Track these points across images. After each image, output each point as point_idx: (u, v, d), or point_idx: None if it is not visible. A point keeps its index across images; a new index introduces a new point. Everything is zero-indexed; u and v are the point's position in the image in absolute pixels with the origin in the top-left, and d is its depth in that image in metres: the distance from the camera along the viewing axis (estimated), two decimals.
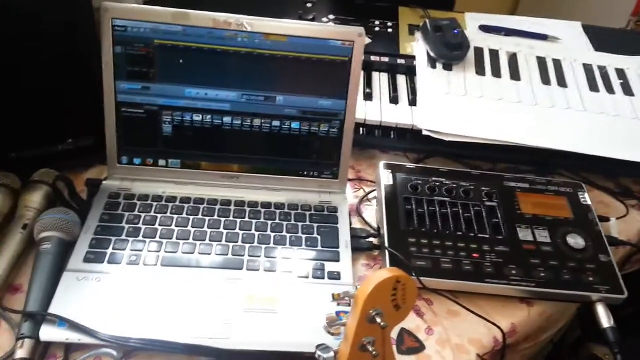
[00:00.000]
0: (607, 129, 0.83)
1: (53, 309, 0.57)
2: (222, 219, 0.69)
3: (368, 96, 0.85)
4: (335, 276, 0.64)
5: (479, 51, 0.95)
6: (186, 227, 0.68)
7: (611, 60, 0.96)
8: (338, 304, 0.58)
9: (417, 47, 0.94)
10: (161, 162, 0.73)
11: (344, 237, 0.69)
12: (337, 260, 0.66)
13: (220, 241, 0.67)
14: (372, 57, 0.91)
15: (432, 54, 0.91)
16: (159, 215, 0.69)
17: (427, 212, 0.70)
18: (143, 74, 0.69)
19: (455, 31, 0.93)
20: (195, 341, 0.56)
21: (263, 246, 0.66)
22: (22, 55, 0.67)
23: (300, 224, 0.70)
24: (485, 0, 1.89)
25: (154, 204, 0.70)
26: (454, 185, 0.74)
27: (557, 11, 1.88)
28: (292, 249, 0.67)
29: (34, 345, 0.55)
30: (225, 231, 0.68)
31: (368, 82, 0.88)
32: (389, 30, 0.98)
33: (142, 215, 0.68)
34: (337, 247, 0.67)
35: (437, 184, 0.74)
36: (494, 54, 0.95)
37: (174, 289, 0.61)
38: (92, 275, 0.61)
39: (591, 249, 0.69)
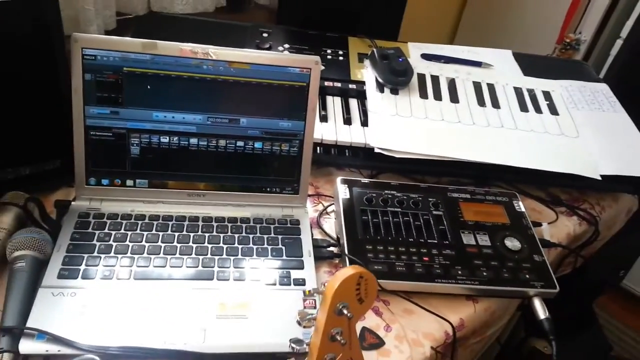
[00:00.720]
0: (537, 145, 0.93)
1: (31, 323, 0.59)
2: (191, 234, 0.73)
3: (324, 118, 0.92)
4: (300, 282, 0.69)
5: (421, 77, 1.04)
6: (157, 242, 0.71)
7: (538, 84, 1.07)
8: (305, 307, 0.63)
9: (366, 74, 1.02)
10: (129, 182, 0.76)
11: (307, 247, 0.74)
12: (302, 268, 0.71)
13: (191, 254, 0.70)
14: (326, 83, 0.98)
15: (380, 79, 0.99)
16: (129, 233, 0.72)
17: (382, 222, 0.77)
18: (112, 100, 0.72)
19: (400, 59, 1.02)
20: (171, 347, 0.59)
21: (232, 258, 0.71)
22: None
23: (265, 236, 0.75)
24: (426, 31, 2.03)
25: (124, 222, 0.73)
26: (405, 197, 0.81)
27: (491, 41, 2.04)
28: (259, 260, 0.71)
29: (13, 359, 0.56)
30: (194, 245, 0.72)
31: (323, 106, 0.95)
32: (340, 58, 1.06)
33: (113, 233, 0.71)
34: (301, 256, 0.73)
35: (390, 196, 0.81)
36: (435, 79, 1.04)
37: (149, 300, 0.64)
38: (68, 291, 0.63)
39: (526, 251, 0.77)
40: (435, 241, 0.76)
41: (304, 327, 0.52)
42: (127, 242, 0.70)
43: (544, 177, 0.91)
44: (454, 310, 0.71)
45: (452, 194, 0.84)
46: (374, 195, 0.81)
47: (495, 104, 1.01)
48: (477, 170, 0.91)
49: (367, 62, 1.05)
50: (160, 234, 0.72)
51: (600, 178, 0.90)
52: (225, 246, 0.72)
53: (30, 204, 0.72)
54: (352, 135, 0.90)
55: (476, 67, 1.10)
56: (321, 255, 0.75)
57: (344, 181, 0.82)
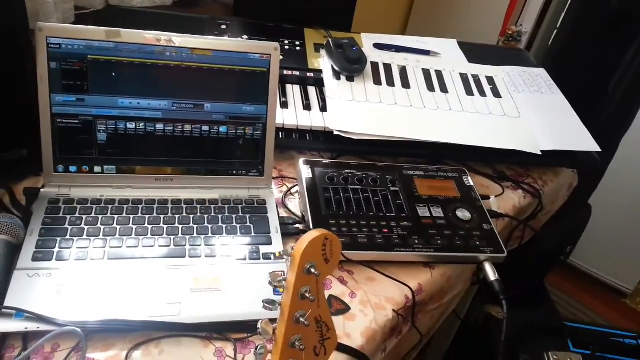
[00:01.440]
0: (482, 125, 1.01)
1: (8, 303, 0.60)
2: (162, 216, 0.76)
3: (284, 105, 0.96)
4: (269, 257, 0.73)
5: (375, 65, 1.09)
6: (128, 224, 0.73)
7: (482, 70, 1.15)
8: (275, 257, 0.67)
9: (323, 63, 1.07)
10: (97, 168, 0.78)
11: (274, 224, 0.78)
12: (270, 244, 0.75)
13: (162, 235, 0.73)
14: (285, 72, 1.02)
15: (336, 68, 1.04)
16: (100, 216, 0.74)
17: (344, 199, 0.82)
18: (77, 87, 0.74)
19: (354, 48, 1.07)
20: (149, 319, 0.62)
21: (202, 236, 0.74)
22: None
23: (234, 215, 0.78)
24: (378, 23, 2.10)
25: (94, 206, 0.75)
26: (364, 175, 0.87)
27: (439, 32, 2.13)
28: (229, 237, 0.75)
29: None
30: (165, 226, 0.74)
31: (283, 93, 0.99)
32: (297, 48, 1.10)
33: (84, 217, 0.73)
34: (269, 233, 0.76)
35: (350, 175, 0.86)
36: (388, 67, 1.10)
37: (124, 278, 0.66)
38: (43, 272, 0.65)
39: (476, 220, 0.84)
40: (394, 214, 0.81)
41: (275, 286, 0.56)
42: (99, 225, 0.72)
43: (490, 155, 0.98)
44: (413, 277, 0.77)
45: (407, 172, 0.90)
46: (335, 174, 0.85)
47: (444, 89, 1.07)
48: (429, 149, 0.97)
49: (323, 52, 1.09)
50: (131, 216, 0.75)
51: (540, 153, 0.98)
52: (195, 226, 0.75)
53: (1, 190, 0.73)
54: (312, 119, 0.95)
55: (425, 56, 1.17)
56: (288, 231, 0.79)
57: (307, 162, 0.87)
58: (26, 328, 0.59)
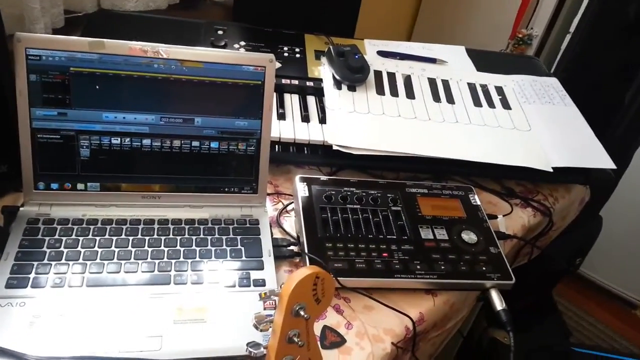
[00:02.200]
0: (491, 139, 0.95)
1: None
2: (147, 238, 0.71)
3: (281, 116, 0.91)
4: (260, 283, 0.68)
5: (378, 74, 1.04)
6: (110, 247, 0.69)
7: (491, 79, 1.10)
8: (265, 308, 0.63)
9: (323, 71, 1.02)
10: (80, 186, 0.74)
11: (267, 247, 0.73)
12: (262, 269, 0.70)
13: (146, 259, 0.69)
14: (284, 80, 0.97)
15: (337, 77, 0.99)
16: (81, 238, 0.69)
17: (341, 219, 0.77)
18: (59, 101, 0.70)
19: (357, 56, 1.02)
20: (127, 355, 0.58)
21: (189, 260, 0.69)
22: None
23: (224, 237, 0.73)
24: (383, 29, 2.05)
25: (75, 227, 0.71)
26: (364, 193, 0.82)
27: (446, 37, 2.08)
28: (218, 261, 0.70)
29: None
30: (150, 249, 0.70)
31: (281, 103, 0.94)
32: (297, 55, 1.05)
33: (64, 239, 0.69)
34: (261, 257, 0.72)
35: (349, 193, 0.81)
36: (392, 76, 1.05)
37: (102, 308, 0.62)
38: (16, 301, 0.61)
39: (483, 243, 0.79)
40: (394, 237, 0.77)
41: (261, 330, 0.51)
42: (79, 248, 0.68)
43: (499, 170, 0.93)
44: (414, 305, 0.72)
45: (410, 190, 0.85)
46: (333, 192, 0.81)
47: (450, 100, 1.02)
48: (433, 165, 0.92)
49: (324, 59, 1.05)
50: (114, 238, 0.70)
51: (552, 170, 0.92)
52: (182, 249, 0.71)
53: None
54: (311, 132, 0.90)
55: (431, 64, 1.12)
56: (281, 254, 0.74)
57: (303, 179, 0.82)
58: None
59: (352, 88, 1.00)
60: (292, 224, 0.82)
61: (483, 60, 1.16)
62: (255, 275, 0.69)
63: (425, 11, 2.16)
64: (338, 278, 0.69)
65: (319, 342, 0.64)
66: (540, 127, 1.00)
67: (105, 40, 0.69)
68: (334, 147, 0.87)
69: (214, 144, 0.76)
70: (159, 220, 0.74)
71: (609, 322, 1.98)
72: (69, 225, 0.71)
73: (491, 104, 1.03)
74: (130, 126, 0.73)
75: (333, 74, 1.01)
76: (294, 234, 0.79)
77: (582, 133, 1.02)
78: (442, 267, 0.74)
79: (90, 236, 0.70)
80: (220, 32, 1.06)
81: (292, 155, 0.90)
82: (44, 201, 0.73)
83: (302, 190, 0.80)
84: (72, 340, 0.58)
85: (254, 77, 0.75)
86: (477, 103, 1.03)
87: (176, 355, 0.59)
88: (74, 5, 1.02)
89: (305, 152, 0.90)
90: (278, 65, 0.99)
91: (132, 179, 0.75)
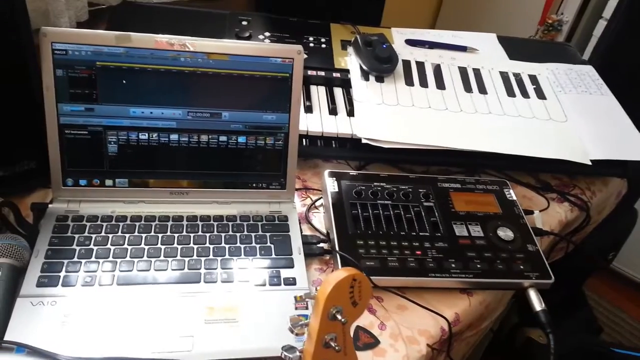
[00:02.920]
0: (525, 131, 0.92)
1: (9, 336, 0.56)
2: (176, 235, 0.70)
3: (308, 109, 0.89)
4: (291, 282, 0.67)
5: (406, 64, 1.01)
6: (139, 245, 0.68)
7: (524, 68, 1.06)
8: (296, 308, 0.61)
9: (350, 62, 0.99)
10: (108, 182, 0.73)
11: (297, 244, 0.72)
12: (292, 267, 0.69)
13: (176, 257, 0.68)
14: (310, 72, 0.95)
15: (364, 67, 0.97)
16: (110, 235, 0.69)
17: (372, 216, 0.75)
18: (86, 96, 0.69)
19: (384, 46, 0.99)
20: (158, 356, 0.57)
21: (219, 258, 0.68)
22: None
23: (253, 234, 0.72)
24: (407, 14, 2.01)
25: (104, 224, 0.70)
26: (395, 188, 0.79)
27: (472, 23, 2.02)
28: (247, 259, 0.69)
29: None
30: (179, 246, 0.69)
31: (307, 96, 0.92)
32: (323, 45, 1.03)
33: (93, 236, 0.68)
34: (291, 254, 0.70)
35: (379, 188, 0.79)
36: (421, 65, 1.02)
37: (133, 307, 0.61)
38: (47, 300, 0.60)
39: (520, 240, 0.76)
40: (427, 234, 0.74)
41: (297, 334, 0.50)
42: (109, 246, 0.67)
43: (534, 163, 0.90)
44: (449, 305, 0.70)
45: (442, 184, 0.82)
46: (363, 188, 0.78)
47: (482, 90, 0.99)
48: (466, 158, 0.89)
49: (350, 50, 1.02)
50: (143, 235, 0.69)
51: (590, 163, 0.89)
52: (211, 246, 0.70)
53: (5, 208, 0.68)
54: (339, 126, 0.88)
55: (461, 52, 1.08)
56: (311, 252, 0.73)
57: (332, 174, 0.80)
58: None
59: (380, 79, 0.97)
60: (321, 219, 0.80)
61: (515, 48, 1.12)
62: (285, 273, 0.68)
63: None
64: (370, 277, 0.67)
65: None
66: (577, 118, 0.96)
67: (131, 33, 0.68)
68: (363, 141, 0.85)
69: (241, 139, 0.74)
70: (187, 217, 0.73)
71: None
72: (98, 222, 0.70)
73: (525, 94, 1.00)
74: (158, 121, 0.71)
75: (360, 65, 0.98)
76: (324, 231, 0.77)
77: (621, 123, 0.97)
78: (478, 266, 0.71)
79: (119, 233, 0.69)
80: (244, 23, 1.04)
81: (319, 149, 0.88)
82: (73, 198, 0.72)
83: (331, 185, 0.78)
84: (103, 340, 0.57)
85: (282, 69, 0.73)
86: (511, 93, 0.99)
87: (209, 356, 0.58)
88: None
89: (333, 145, 0.88)
90: (304, 55, 0.97)
91: (160, 174, 0.74)
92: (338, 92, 0.95)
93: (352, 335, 0.63)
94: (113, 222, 0.70)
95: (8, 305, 0.59)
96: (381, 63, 0.97)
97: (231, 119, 0.73)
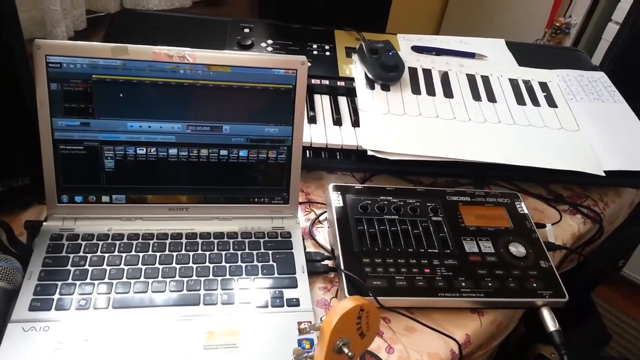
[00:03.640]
0: (536, 141, 0.89)
1: None
2: (174, 254, 0.68)
3: (312, 119, 0.87)
4: (294, 303, 0.64)
5: (413, 71, 0.99)
6: (137, 265, 0.66)
7: (534, 75, 1.03)
8: (300, 332, 0.58)
9: (355, 70, 0.97)
10: (105, 198, 0.71)
11: (300, 262, 0.69)
12: (295, 287, 0.66)
13: (174, 277, 0.65)
14: (313, 81, 0.92)
15: (370, 75, 0.94)
16: (106, 255, 0.66)
17: (379, 232, 0.72)
18: (82, 110, 0.66)
19: (390, 53, 0.96)
20: None
21: (219, 278, 0.66)
22: None
23: (255, 252, 0.69)
24: (412, 18, 1.98)
25: (100, 243, 0.67)
26: (402, 203, 0.77)
27: (478, 26, 1.99)
28: (249, 279, 0.66)
29: None
30: (178, 266, 0.66)
31: (311, 105, 0.89)
32: (327, 53, 1.00)
33: (89, 256, 0.66)
34: (294, 273, 0.68)
35: (386, 203, 0.76)
36: (428, 73, 0.99)
37: (129, 332, 0.59)
38: (40, 325, 0.58)
39: (532, 256, 0.73)
40: (436, 250, 0.71)
41: None
42: (105, 266, 0.65)
43: (545, 174, 0.87)
44: (459, 325, 0.67)
45: (451, 197, 0.79)
46: (369, 202, 0.76)
47: (491, 98, 0.96)
48: (475, 169, 0.86)
49: (355, 57, 0.99)
50: (141, 254, 0.67)
51: (604, 175, 0.85)
52: (211, 265, 0.67)
53: None
54: (343, 137, 0.85)
55: (469, 59, 1.05)
56: (315, 270, 0.70)
57: (337, 188, 0.77)
58: None
59: (385, 87, 0.94)
60: (325, 235, 0.77)
61: (524, 54, 1.09)
62: (288, 294, 0.65)
63: None
64: (377, 297, 0.64)
65: None
66: (589, 127, 0.93)
67: (128, 45, 0.65)
68: (369, 153, 0.82)
69: (243, 153, 0.72)
70: (186, 234, 0.70)
71: None
72: (94, 241, 0.67)
73: (536, 102, 0.97)
74: (156, 135, 0.69)
75: (365, 73, 0.95)
76: (328, 246, 0.75)
77: (635, 132, 0.94)
78: (490, 284, 0.68)
79: (116, 253, 0.67)
80: (246, 30, 1.01)
81: (323, 161, 0.85)
82: (68, 215, 0.70)
83: (336, 200, 0.75)
84: None
85: (285, 80, 0.70)
86: (521, 101, 0.96)
87: None
88: (96, 5, 0.98)
89: (338, 157, 0.85)
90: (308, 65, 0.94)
91: (158, 190, 0.71)
92: (342, 101, 0.93)
93: None
94: (109, 241, 0.68)
95: None
96: (387, 71, 0.94)
97: (232, 133, 0.71)
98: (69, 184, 0.69)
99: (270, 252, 0.70)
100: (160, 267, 0.66)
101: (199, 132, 0.70)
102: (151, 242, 0.68)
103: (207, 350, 0.58)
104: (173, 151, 0.70)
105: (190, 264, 0.67)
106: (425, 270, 0.69)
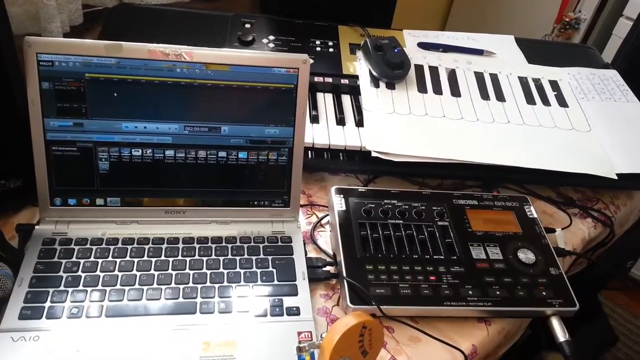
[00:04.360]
0: (546, 142, 0.86)
1: None
2: (170, 259, 0.65)
3: (314, 119, 0.84)
4: (294, 312, 0.62)
5: (419, 69, 0.96)
6: (131, 271, 0.63)
7: (544, 73, 0.99)
8: (300, 341, 0.56)
9: (359, 67, 0.94)
10: (99, 201, 0.68)
11: (301, 269, 0.66)
12: (295, 294, 0.64)
13: (170, 284, 0.63)
14: (316, 78, 0.89)
15: (374, 73, 0.91)
16: (100, 261, 0.64)
17: (383, 237, 0.69)
18: (74, 110, 0.64)
19: (396, 50, 0.93)
20: None
21: (216, 285, 0.63)
22: None
23: (254, 257, 0.67)
24: (418, 14, 1.94)
25: (94, 247, 0.65)
26: (406, 206, 0.74)
27: (486, 21, 1.95)
28: (247, 286, 0.64)
29: None
30: (174, 272, 0.64)
31: (314, 104, 0.86)
32: (331, 49, 0.97)
33: (82, 261, 0.63)
34: (294, 280, 0.65)
35: (390, 206, 0.73)
36: (434, 70, 0.96)
37: (122, 342, 0.56)
38: (30, 334, 0.55)
39: (542, 263, 0.70)
40: (442, 257, 0.69)
41: None
42: (98, 272, 0.63)
43: (555, 177, 0.84)
44: (465, 335, 0.64)
45: (457, 201, 0.77)
46: (373, 206, 0.73)
47: (500, 97, 0.93)
48: (482, 171, 0.83)
49: (359, 54, 0.96)
50: (135, 260, 0.64)
51: (616, 178, 0.83)
52: (209, 272, 0.65)
53: None
54: (347, 137, 0.82)
55: (477, 56, 1.02)
56: (316, 276, 0.67)
57: (339, 191, 0.74)
58: None
59: (391, 85, 0.91)
60: (327, 239, 0.75)
61: (534, 51, 1.06)
62: (288, 302, 0.63)
63: None
64: (380, 306, 0.62)
65: None
66: (601, 127, 0.90)
67: (123, 43, 0.62)
68: (373, 154, 0.79)
69: (242, 154, 0.69)
70: (183, 238, 0.68)
71: None
72: (87, 246, 0.65)
73: (546, 101, 0.93)
74: (152, 136, 0.66)
75: (370, 70, 0.92)
76: (330, 251, 0.72)
77: None
78: (497, 293, 0.66)
79: (110, 258, 0.64)
80: (247, 26, 0.98)
81: (326, 162, 0.82)
82: (61, 218, 0.67)
83: (338, 204, 0.73)
84: None
85: (286, 80, 0.67)
86: (530, 100, 0.93)
87: None
88: None
89: (341, 158, 0.83)
90: (310, 61, 0.91)
91: (154, 193, 0.69)
92: (346, 99, 0.90)
93: None
94: (103, 246, 0.65)
95: None
96: (392, 69, 0.91)
97: (231, 134, 0.68)
98: (62, 186, 0.67)
99: (269, 257, 0.67)
100: (156, 273, 0.63)
101: (197, 133, 0.67)
102: (146, 247, 0.66)
103: None
104: (170, 153, 0.67)
105: (187, 270, 0.64)
106: (431, 277, 0.66)
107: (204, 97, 0.66)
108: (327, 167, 0.85)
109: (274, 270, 0.66)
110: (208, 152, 0.68)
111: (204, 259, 0.66)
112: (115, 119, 0.65)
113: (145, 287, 0.62)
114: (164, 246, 0.67)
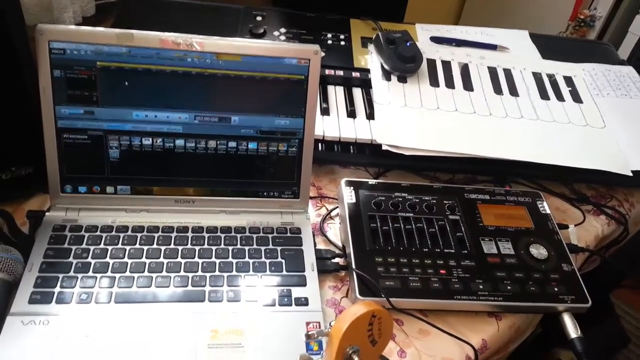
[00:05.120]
0: (560, 137, 0.85)
1: None
2: (180, 248, 0.65)
3: (325, 111, 0.84)
4: (302, 302, 0.62)
5: (431, 63, 0.95)
6: (140, 258, 0.63)
7: (559, 68, 0.98)
8: (308, 331, 0.56)
9: (371, 60, 0.93)
10: (109, 189, 0.68)
11: (310, 260, 0.66)
12: (304, 285, 0.63)
13: (179, 272, 0.63)
14: (327, 71, 0.89)
15: (386, 67, 0.90)
16: (109, 248, 0.64)
17: (393, 230, 0.69)
18: (86, 98, 0.64)
19: (408, 44, 0.92)
20: None
21: (225, 274, 0.63)
22: None
23: (263, 248, 0.67)
24: (431, 8, 1.93)
25: (104, 235, 0.65)
26: (417, 200, 0.73)
27: (500, 16, 1.94)
28: (256, 276, 0.64)
29: None
30: (183, 261, 0.64)
31: (324, 97, 0.86)
32: (342, 43, 0.96)
33: (91, 248, 0.64)
34: (303, 271, 0.65)
35: (400, 199, 0.73)
36: (447, 65, 0.95)
37: (130, 329, 0.56)
38: (39, 318, 0.56)
39: (554, 259, 0.69)
40: (453, 251, 0.68)
41: None
42: (108, 259, 0.63)
43: (569, 173, 0.83)
44: (475, 330, 0.64)
45: (469, 195, 0.76)
46: (383, 198, 0.73)
47: (513, 92, 0.92)
48: (495, 166, 0.82)
49: (371, 47, 0.96)
50: (145, 248, 0.65)
51: (631, 174, 0.81)
52: (218, 261, 0.65)
53: None
54: (357, 130, 0.82)
55: (491, 50, 1.01)
56: (325, 268, 0.67)
57: (349, 183, 0.74)
58: None
59: (402, 79, 0.90)
60: (336, 231, 0.74)
61: (548, 46, 1.05)
62: (296, 292, 0.63)
63: None
64: (390, 298, 0.61)
65: None
66: (616, 124, 0.89)
67: (134, 31, 0.62)
68: (384, 147, 0.79)
69: (252, 145, 0.69)
70: (193, 227, 0.68)
71: None
72: (97, 233, 0.65)
73: (560, 97, 0.92)
74: (163, 125, 0.66)
75: (382, 64, 0.92)
76: (339, 243, 0.72)
77: None
78: (508, 287, 0.65)
79: (119, 245, 0.64)
80: (259, 18, 0.98)
81: (336, 154, 0.82)
82: (72, 205, 0.68)
83: (348, 196, 0.72)
84: None
85: (297, 70, 0.67)
86: (544, 96, 0.92)
87: None
88: None
89: (351, 151, 0.82)
90: (321, 54, 0.91)
91: (164, 182, 0.69)
92: (357, 93, 0.89)
93: None
94: (113, 233, 0.66)
95: None
96: (404, 62, 0.90)
97: (241, 124, 0.68)
98: (73, 174, 0.67)
99: (279, 248, 0.67)
100: (165, 261, 0.63)
101: (207, 122, 0.67)
102: (156, 235, 0.66)
103: (211, 349, 0.55)
104: (180, 142, 0.67)
105: (196, 259, 0.64)
106: (441, 271, 0.66)
107: (215, 87, 0.66)
108: (338, 159, 0.84)
109: (283, 261, 0.66)
110: (218, 142, 0.68)
111: (213, 248, 0.66)
112: (126, 107, 0.65)
113: (154, 275, 0.62)
114: (173, 235, 0.67)
